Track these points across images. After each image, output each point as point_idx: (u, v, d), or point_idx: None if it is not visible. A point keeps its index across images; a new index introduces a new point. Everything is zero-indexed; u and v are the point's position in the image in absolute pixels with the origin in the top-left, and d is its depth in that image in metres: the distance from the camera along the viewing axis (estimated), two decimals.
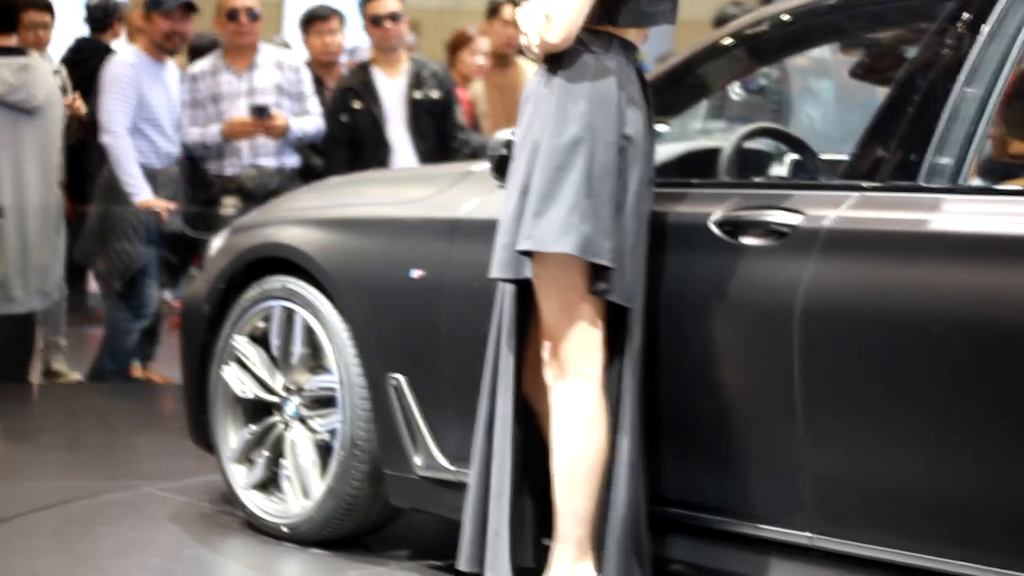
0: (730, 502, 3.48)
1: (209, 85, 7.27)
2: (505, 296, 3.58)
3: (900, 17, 3.93)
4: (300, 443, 4.39)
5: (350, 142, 7.21)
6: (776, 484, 3.40)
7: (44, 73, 7.25)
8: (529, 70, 7.65)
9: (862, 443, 3.26)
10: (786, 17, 3.83)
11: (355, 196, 4.67)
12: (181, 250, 7.54)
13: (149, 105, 7.27)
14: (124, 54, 7.50)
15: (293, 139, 7.20)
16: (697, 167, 4.16)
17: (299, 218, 4.56)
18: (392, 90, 7.21)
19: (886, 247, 3.27)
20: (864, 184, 3.37)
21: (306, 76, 7.32)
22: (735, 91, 5.98)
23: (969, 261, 3.15)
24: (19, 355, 7.65)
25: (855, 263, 3.28)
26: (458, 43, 8.24)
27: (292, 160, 7.26)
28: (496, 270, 3.53)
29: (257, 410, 4.54)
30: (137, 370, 7.68)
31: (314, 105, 7.28)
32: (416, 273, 4.09)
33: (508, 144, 3.79)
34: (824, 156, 4.21)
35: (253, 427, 4.52)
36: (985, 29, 3.30)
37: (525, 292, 3.55)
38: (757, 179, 4.02)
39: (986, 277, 3.11)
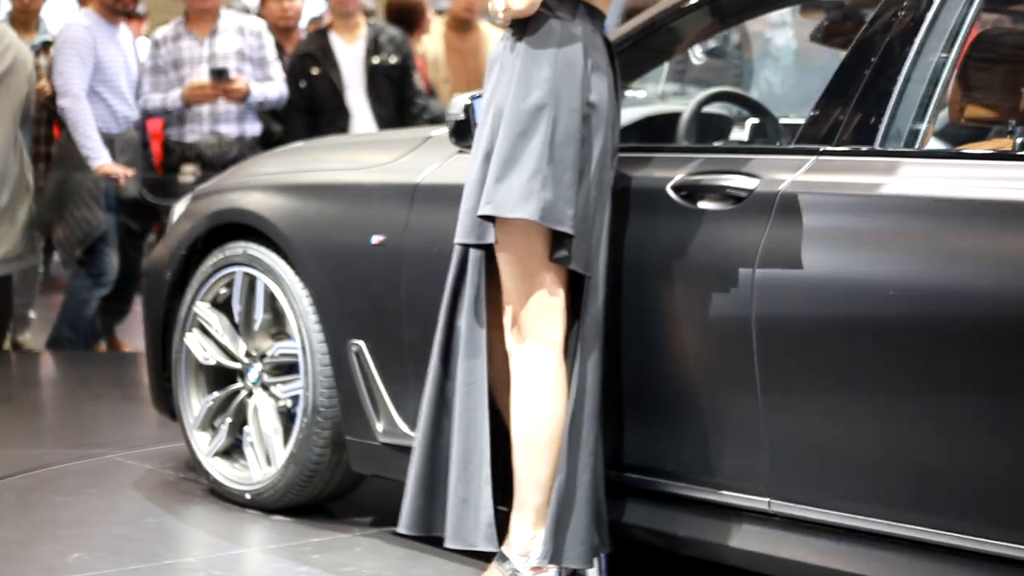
0: (688, 467, 3.49)
1: (171, 51, 7.26)
2: (470, 263, 3.55)
3: None
4: (263, 410, 4.39)
5: (309, 108, 7.21)
6: (734, 449, 3.40)
7: (8, 45, 7.18)
8: (490, 34, 7.65)
9: (819, 408, 3.26)
10: None
11: (316, 161, 4.65)
12: (141, 216, 7.50)
13: (105, 67, 7.19)
14: (78, 17, 7.40)
15: (255, 103, 7.18)
16: (657, 132, 4.17)
17: (261, 184, 4.55)
18: (350, 56, 7.20)
19: (842, 211, 3.27)
20: (821, 148, 3.38)
21: (268, 41, 7.30)
22: (695, 55, 5.98)
23: (925, 225, 3.15)
24: None
25: (811, 227, 3.27)
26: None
27: (254, 128, 7.24)
28: (460, 235, 3.52)
29: (220, 377, 4.54)
30: (101, 347, 7.64)
31: (277, 71, 7.26)
32: (376, 239, 4.09)
33: (467, 109, 3.79)
34: (786, 121, 4.23)
35: (216, 394, 4.52)
36: None
37: (487, 258, 3.54)
38: (714, 143, 4.03)
39: (942, 241, 3.12)
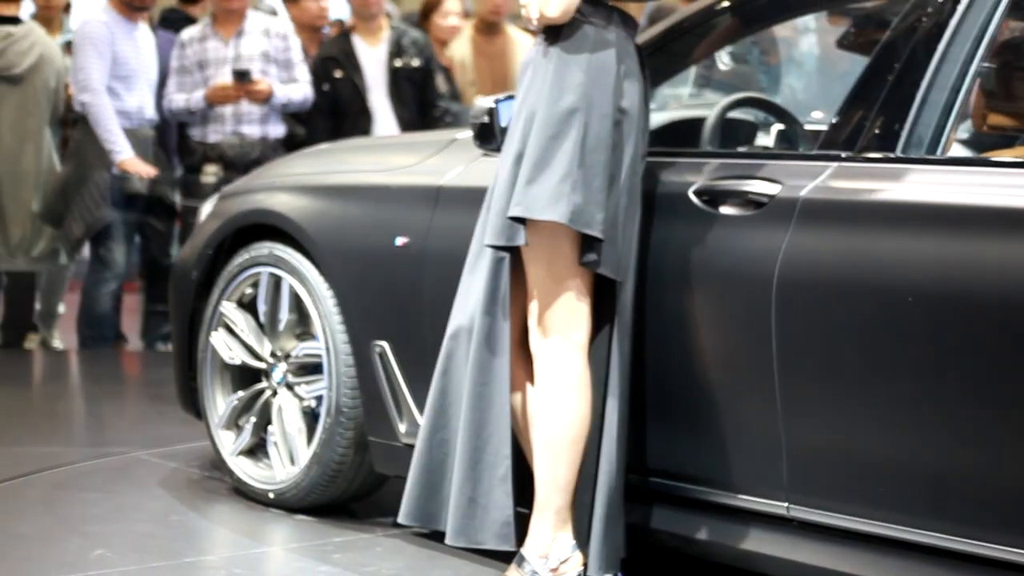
0: (707, 471, 3.50)
1: (196, 51, 7.29)
2: (493, 263, 3.54)
3: None
4: (287, 409, 4.42)
5: (331, 111, 7.23)
6: (754, 454, 3.41)
7: (34, 43, 7.22)
8: (517, 38, 7.66)
9: (838, 414, 3.26)
10: None
11: (342, 163, 4.68)
12: (162, 215, 7.51)
13: (121, 63, 7.18)
14: (97, 13, 7.39)
15: (278, 105, 7.20)
16: (681, 136, 4.17)
17: (287, 185, 4.57)
18: (373, 58, 7.22)
19: (863, 217, 3.27)
20: (843, 154, 3.38)
21: (295, 43, 7.33)
22: (722, 60, 5.98)
23: (946, 232, 3.15)
24: (15, 321, 7.67)
25: (832, 233, 3.28)
26: (428, 8, 8.17)
27: (277, 130, 7.26)
28: (490, 237, 3.52)
29: (245, 376, 4.57)
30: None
31: (302, 73, 7.28)
32: (400, 240, 4.11)
33: (490, 112, 3.81)
34: (811, 127, 4.22)
35: (241, 393, 4.55)
36: None
37: (512, 260, 3.55)
38: (737, 149, 4.03)
39: (963, 248, 3.11)
